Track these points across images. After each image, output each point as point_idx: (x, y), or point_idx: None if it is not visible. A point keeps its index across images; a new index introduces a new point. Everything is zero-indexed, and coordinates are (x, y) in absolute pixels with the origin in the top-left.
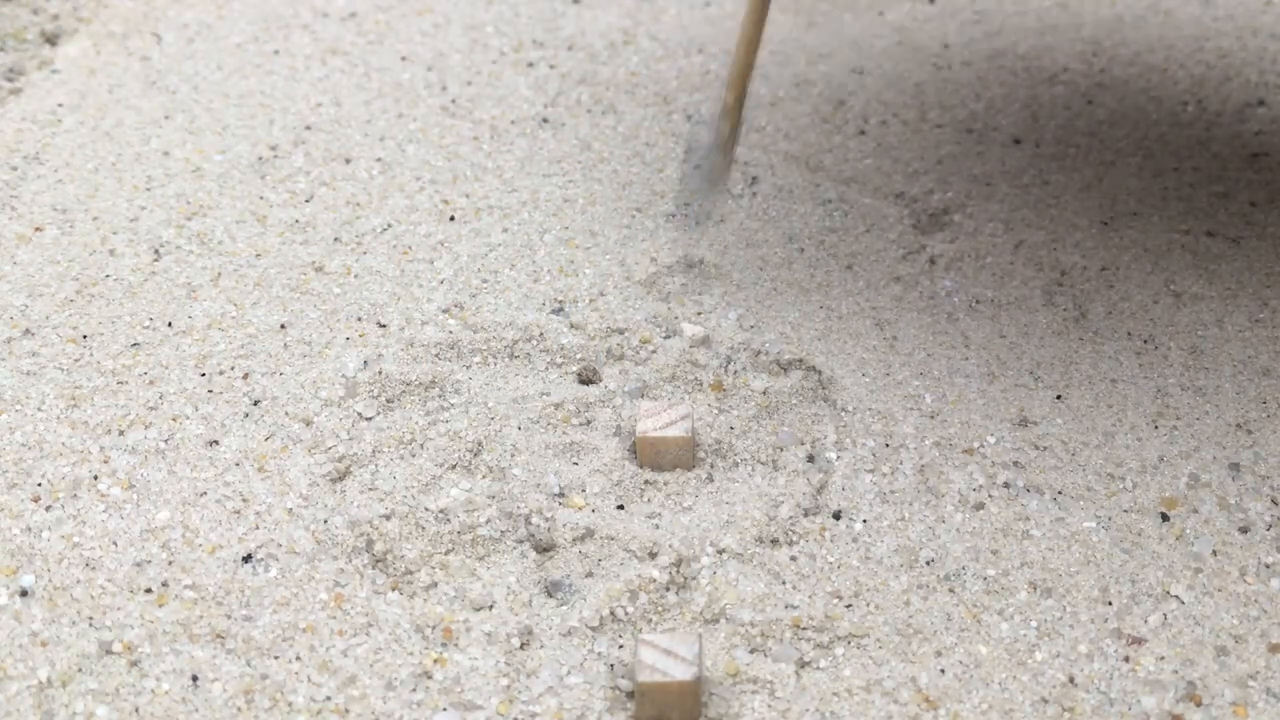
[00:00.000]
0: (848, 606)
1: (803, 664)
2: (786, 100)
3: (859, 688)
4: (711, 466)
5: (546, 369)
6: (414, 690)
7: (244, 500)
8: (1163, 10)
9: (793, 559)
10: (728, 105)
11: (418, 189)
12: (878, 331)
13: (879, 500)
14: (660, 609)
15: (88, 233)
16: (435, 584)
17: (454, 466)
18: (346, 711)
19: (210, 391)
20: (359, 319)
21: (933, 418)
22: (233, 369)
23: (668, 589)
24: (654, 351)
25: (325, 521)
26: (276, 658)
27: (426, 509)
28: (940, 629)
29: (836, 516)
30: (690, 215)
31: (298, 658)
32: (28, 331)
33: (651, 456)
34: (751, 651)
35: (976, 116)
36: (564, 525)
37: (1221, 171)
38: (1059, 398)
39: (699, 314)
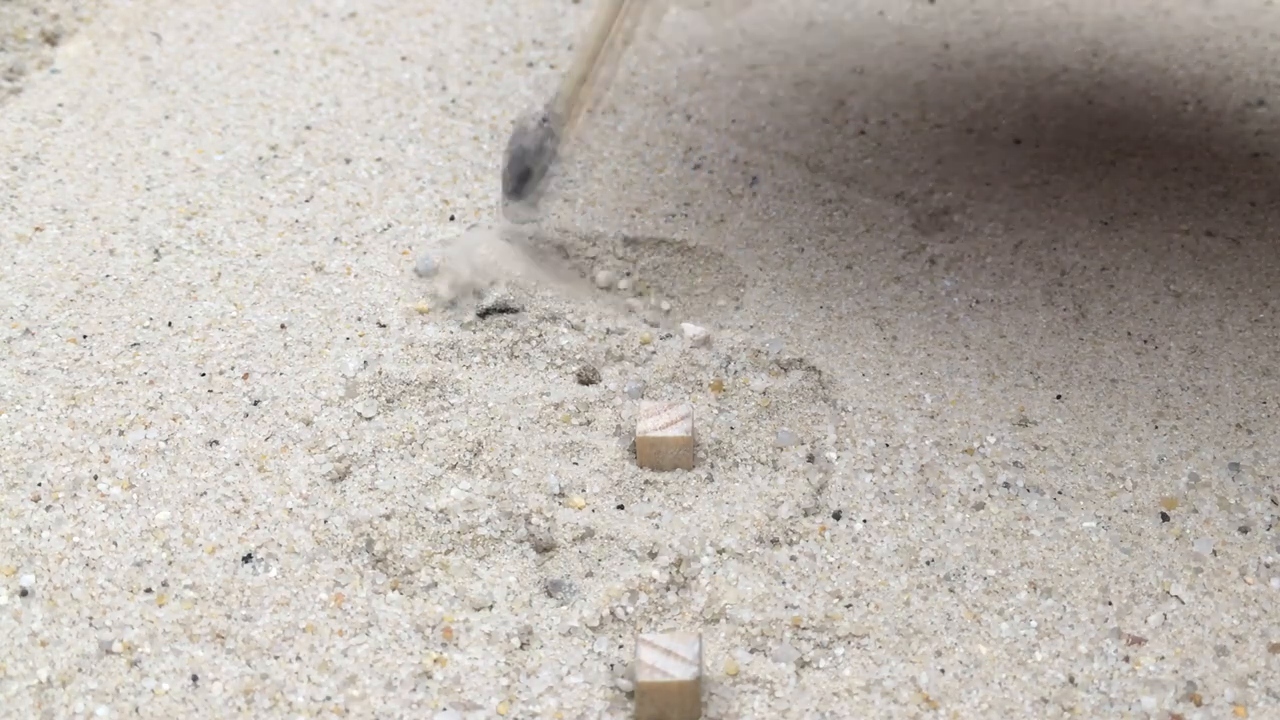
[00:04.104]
0: (848, 606)
1: (803, 664)
2: (786, 100)
3: (859, 688)
4: (711, 466)
5: (546, 369)
6: (414, 690)
7: (244, 500)
8: (1163, 10)
9: (793, 559)
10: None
11: (418, 189)
12: (878, 331)
13: (879, 500)
14: (660, 609)
15: (88, 233)
16: (435, 584)
17: (454, 466)
18: (346, 711)
19: (210, 391)
20: (359, 319)
21: (933, 418)
22: (233, 369)
23: (668, 589)
24: (654, 352)
25: (325, 521)
26: (276, 658)
27: (426, 509)
28: (940, 629)
29: (836, 516)
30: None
31: (298, 658)
32: (28, 331)
33: (651, 456)
34: (751, 651)
35: (976, 116)
36: (564, 525)
37: (1221, 171)
38: (1059, 398)
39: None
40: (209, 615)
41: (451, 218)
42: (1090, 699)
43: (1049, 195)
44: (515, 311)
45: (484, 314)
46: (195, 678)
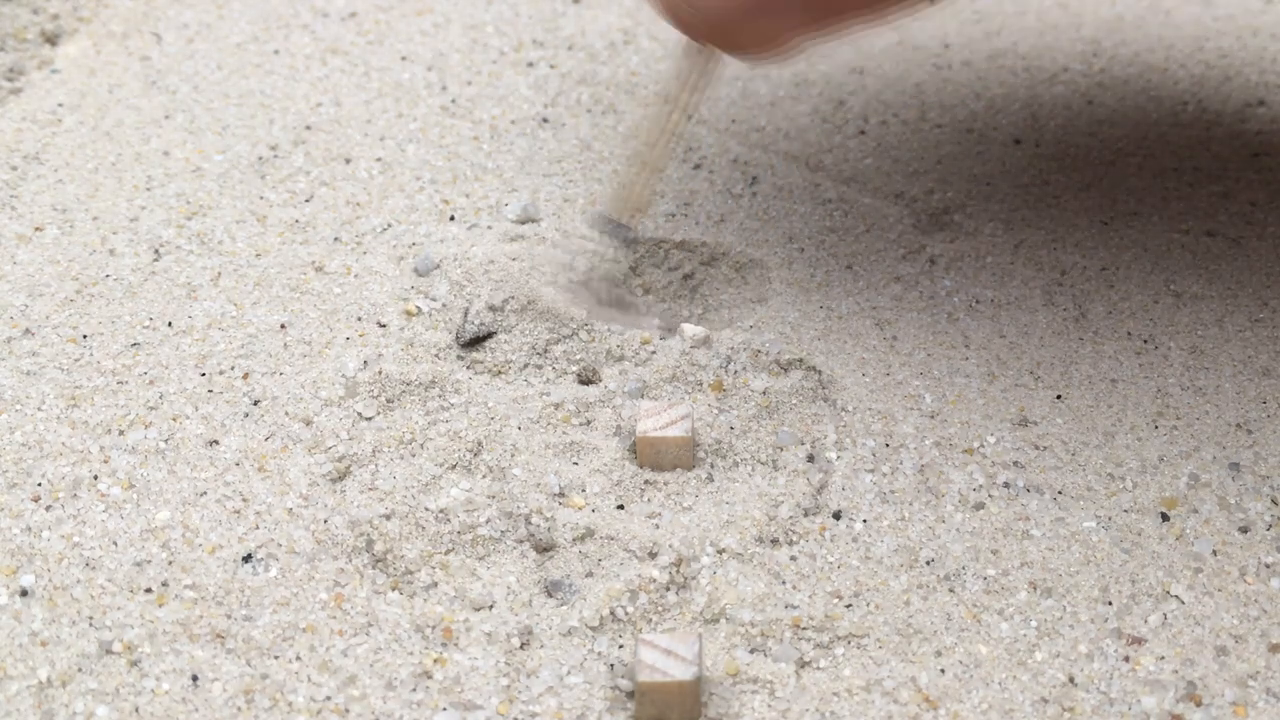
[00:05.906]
0: (848, 606)
1: (803, 664)
2: (786, 100)
3: (859, 688)
4: (711, 466)
5: (546, 369)
6: (414, 690)
7: (244, 500)
8: (1163, 10)
9: (793, 559)
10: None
11: (418, 189)
12: (878, 331)
13: (879, 500)
14: (660, 609)
15: (88, 233)
16: (435, 584)
17: (454, 466)
18: (346, 711)
19: (210, 391)
20: (359, 319)
21: (933, 418)
22: (233, 369)
23: (668, 589)
24: (654, 352)
25: (325, 521)
26: (276, 658)
27: (426, 509)
28: (940, 629)
29: (836, 516)
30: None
31: (298, 658)
32: (28, 331)
33: (651, 456)
34: (751, 651)
35: (976, 116)
36: (564, 525)
37: (1221, 171)
38: (1059, 398)
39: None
40: (209, 615)
41: (451, 218)
42: (1090, 699)
43: (1049, 195)
44: (493, 335)
45: (467, 344)
46: (195, 678)
